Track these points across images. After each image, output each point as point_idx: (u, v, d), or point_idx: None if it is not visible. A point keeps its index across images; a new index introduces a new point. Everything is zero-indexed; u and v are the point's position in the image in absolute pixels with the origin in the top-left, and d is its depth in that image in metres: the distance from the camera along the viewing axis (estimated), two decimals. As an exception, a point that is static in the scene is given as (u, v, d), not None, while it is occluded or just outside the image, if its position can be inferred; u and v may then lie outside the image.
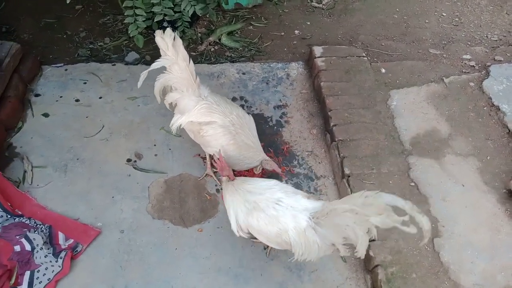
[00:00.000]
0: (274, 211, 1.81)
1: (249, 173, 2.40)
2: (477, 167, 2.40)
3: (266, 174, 2.37)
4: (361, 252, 1.58)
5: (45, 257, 2.03)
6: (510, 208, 2.21)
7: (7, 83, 2.61)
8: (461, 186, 2.31)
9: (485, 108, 2.68)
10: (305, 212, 1.76)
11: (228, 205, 1.97)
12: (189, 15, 2.41)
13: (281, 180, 2.30)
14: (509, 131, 2.53)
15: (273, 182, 1.96)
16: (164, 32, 2.02)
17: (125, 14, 2.28)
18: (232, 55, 3.23)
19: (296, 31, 3.46)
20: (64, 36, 3.26)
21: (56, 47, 3.17)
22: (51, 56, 3.09)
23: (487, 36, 3.46)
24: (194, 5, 2.36)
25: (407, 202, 1.44)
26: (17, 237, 2.05)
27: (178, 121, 2.14)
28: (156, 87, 2.14)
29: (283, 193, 1.86)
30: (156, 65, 2.07)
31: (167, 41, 2.02)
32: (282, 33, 3.44)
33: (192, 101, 2.11)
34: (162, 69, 2.15)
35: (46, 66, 2.97)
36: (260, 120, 2.74)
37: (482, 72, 2.92)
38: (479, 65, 3.05)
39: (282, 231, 1.79)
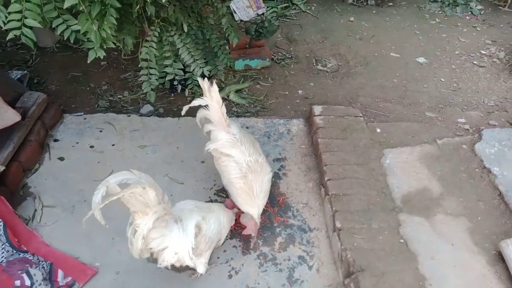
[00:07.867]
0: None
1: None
2: (468, 227, 2.43)
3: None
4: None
5: (42, 292, 2.14)
6: (500, 270, 2.21)
7: (30, 128, 2.88)
8: (450, 245, 2.33)
9: (477, 170, 2.76)
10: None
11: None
12: (198, 76, 2.68)
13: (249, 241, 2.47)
14: (500, 193, 2.58)
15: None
16: (204, 80, 2.38)
17: (140, 73, 2.57)
18: (239, 110, 3.47)
19: (300, 91, 3.70)
20: (87, 88, 3.60)
21: (79, 98, 3.49)
22: (73, 106, 3.40)
23: (483, 102, 3.61)
24: (203, 67, 2.63)
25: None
26: (19, 272, 2.17)
27: (208, 146, 2.51)
28: (197, 117, 2.52)
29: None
30: (195, 103, 2.41)
31: (205, 87, 2.36)
32: (287, 92, 3.69)
33: (221, 135, 2.45)
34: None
35: (67, 114, 3.26)
36: (259, 172, 2.88)
37: (475, 136, 3.03)
38: (473, 128, 3.17)
39: None
